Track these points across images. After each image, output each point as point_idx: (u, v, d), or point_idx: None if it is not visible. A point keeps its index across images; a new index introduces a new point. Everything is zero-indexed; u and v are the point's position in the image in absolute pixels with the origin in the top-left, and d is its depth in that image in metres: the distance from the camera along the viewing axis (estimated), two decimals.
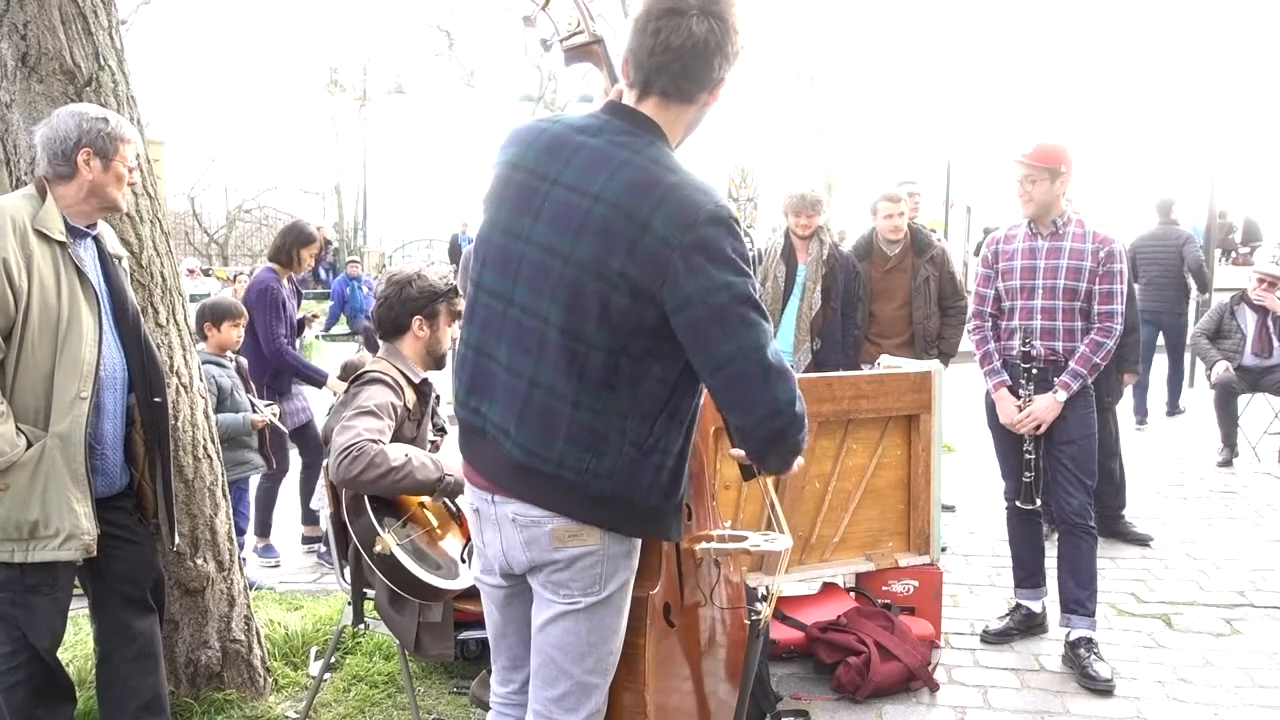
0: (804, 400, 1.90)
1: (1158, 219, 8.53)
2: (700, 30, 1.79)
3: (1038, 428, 3.60)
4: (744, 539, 2.29)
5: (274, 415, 4.75)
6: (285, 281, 5.08)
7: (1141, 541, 4.99)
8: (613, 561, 1.90)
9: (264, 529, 5.14)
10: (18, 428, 2.43)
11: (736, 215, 1.82)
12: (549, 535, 1.86)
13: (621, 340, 1.78)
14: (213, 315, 4.56)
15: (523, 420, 1.84)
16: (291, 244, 5.07)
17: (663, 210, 1.74)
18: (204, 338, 4.53)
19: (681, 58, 1.81)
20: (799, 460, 2.02)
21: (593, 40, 2.12)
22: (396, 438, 2.98)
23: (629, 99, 1.89)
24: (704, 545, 2.28)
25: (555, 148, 1.85)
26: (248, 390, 4.73)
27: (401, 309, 3.14)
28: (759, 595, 2.34)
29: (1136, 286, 8.63)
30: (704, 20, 1.79)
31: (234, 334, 4.65)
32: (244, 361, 4.75)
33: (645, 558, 2.02)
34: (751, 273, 1.80)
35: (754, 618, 2.32)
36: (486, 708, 2.27)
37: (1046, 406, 3.56)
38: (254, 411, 4.61)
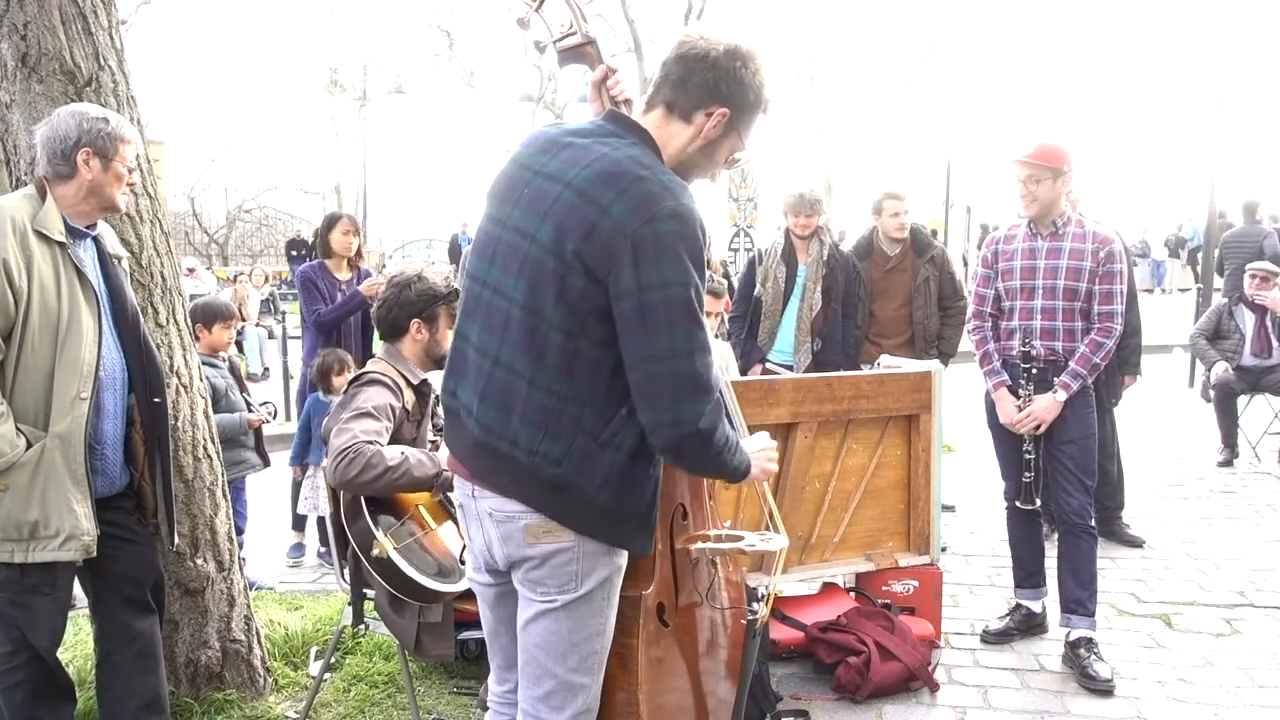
0: (726, 425, 1.86)
1: (1243, 219, 9.90)
2: (704, 46, 1.89)
3: (1037, 428, 3.61)
4: (740, 539, 2.29)
5: (270, 415, 4.74)
6: (345, 269, 5.05)
7: (1135, 544, 4.99)
8: (589, 559, 1.89)
9: (300, 523, 5.14)
10: (17, 428, 2.43)
11: (700, 217, 1.82)
12: (523, 531, 1.88)
13: (579, 321, 1.80)
14: (204, 316, 4.54)
15: (484, 398, 1.88)
16: (321, 233, 5.18)
17: (624, 199, 1.78)
18: (195, 339, 4.51)
19: (681, 65, 1.90)
20: (760, 471, 2.00)
21: (585, 41, 2.14)
22: (396, 438, 2.98)
23: (637, 114, 1.98)
24: (700, 545, 2.27)
25: (547, 147, 1.93)
26: (242, 390, 4.72)
27: (400, 312, 3.13)
28: (757, 595, 2.34)
29: (1220, 279, 9.94)
30: (717, 47, 1.89)
31: (225, 335, 4.63)
32: (238, 361, 4.74)
33: (639, 558, 2.02)
34: (702, 278, 1.80)
35: (751, 618, 2.32)
36: None
37: (1046, 406, 3.56)
38: (249, 411, 4.61)
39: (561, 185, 1.83)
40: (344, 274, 5.07)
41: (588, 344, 1.81)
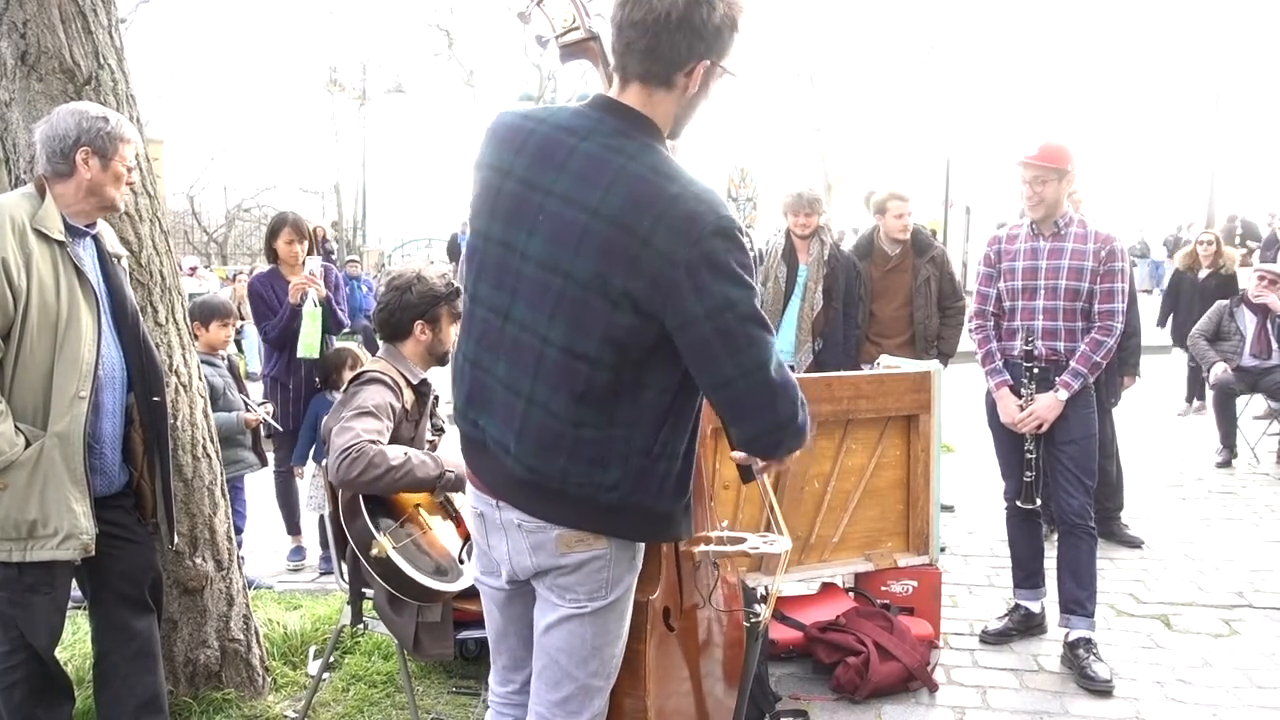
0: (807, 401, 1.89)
1: None
2: (661, 5, 1.72)
3: (1039, 427, 3.60)
4: (742, 540, 2.28)
5: (268, 414, 4.74)
6: (299, 273, 4.77)
7: (1133, 544, 4.99)
8: (619, 566, 1.89)
9: (294, 527, 5.12)
10: (17, 427, 2.43)
11: (739, 224, 1.77)
12: (556, 540, 1.85)
13: (624, 356, 1.76)
14: (201, 315, 4.53)
15: (521, 438, 1.82)
16: (266, 238, 5.01)
17: (664, 225, 1.68)
18: (194, 337, 4.50)
19: (644, 34, 1.74)
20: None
21: (588, 37, 2.08)
22: (395, 438, 2.97)
23: (614, 89, 1.85)
24: (702, 547, 2.27)
25: (546, 153, 1.79)
26: (240, 389, 4.72)
27: (403, 315, 3.13)
28: (758, 596, 2.34)
29: None
30: (675, 2, 1.72)
31: (223, 333, 4.62)
32: (236, 360, 4.71)
33: (645, 563, 2.01)
34: (754, 283, 1.76)
35: (753, 619, 2.31)
36: None
37: (1048, 405, 3.56)
38: (247, 410, 4.60)
39: (587, 214, 1.72)
40: (297, 278, 4.74)
41: (631, 373, 1.77)
